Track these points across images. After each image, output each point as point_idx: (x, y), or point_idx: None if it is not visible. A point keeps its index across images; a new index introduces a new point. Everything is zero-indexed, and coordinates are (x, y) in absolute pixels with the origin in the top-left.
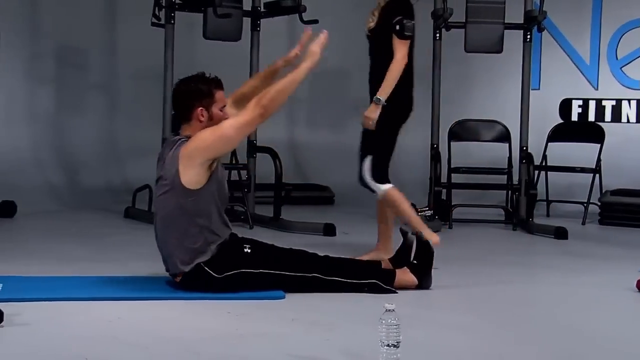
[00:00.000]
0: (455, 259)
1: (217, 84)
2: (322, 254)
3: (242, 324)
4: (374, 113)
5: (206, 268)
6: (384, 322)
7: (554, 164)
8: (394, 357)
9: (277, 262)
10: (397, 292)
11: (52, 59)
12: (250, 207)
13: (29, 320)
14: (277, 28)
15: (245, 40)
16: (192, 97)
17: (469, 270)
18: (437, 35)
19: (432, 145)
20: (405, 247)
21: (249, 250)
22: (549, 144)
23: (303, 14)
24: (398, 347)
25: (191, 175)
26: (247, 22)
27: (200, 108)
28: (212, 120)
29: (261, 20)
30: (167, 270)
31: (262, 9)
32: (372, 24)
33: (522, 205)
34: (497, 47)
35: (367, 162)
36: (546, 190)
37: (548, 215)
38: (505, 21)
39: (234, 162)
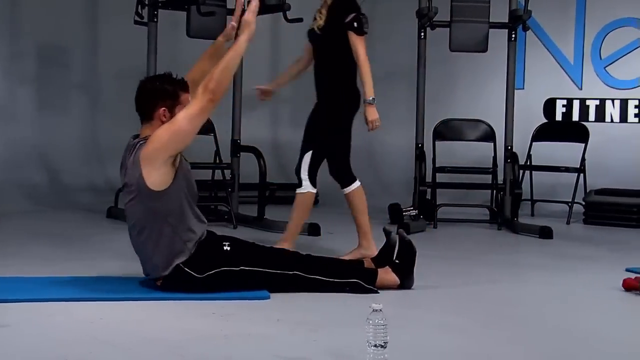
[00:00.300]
0: (440, 259)
1: (183, 85)
2: (304, 253)
3: (227, 324)
4: (375, 114)
5: (186, 269)
6: (371, 322)
7: (538, 164)
8: (381, 357)
9: (258, 260)
10: (378, 292)
11: (33, 58)
12: (234, 207)
13: (9, 321)
14: (260, 26)
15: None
16: (156, 96)
17: (454, 269)
18: (422, 34)
19: (417, 144)
20: (388, 246)
21: (229, 248)
22: (534, 143)
23: (287, 12)
24: (385, 347)
25: (156, 176)
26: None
27: (164, 108)
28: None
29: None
30: (147, 274)
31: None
32: (321, 22)
33: (507, 204)
34: (482, 46)
35: (307, 158)
36: (531, 190)
37: (532, 214)
38: (490, 20)
39: (217, 161)
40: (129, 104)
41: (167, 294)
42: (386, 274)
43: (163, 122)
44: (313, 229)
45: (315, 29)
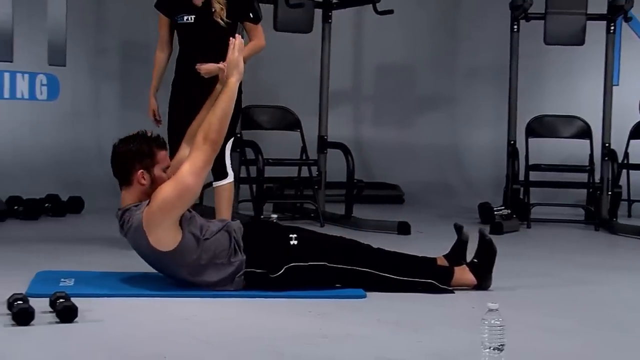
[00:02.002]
0: (536, 259)
1: (158, 143)
2: (375, 246)
3: (325, 323)
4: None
5: (258, 270)
6: (486, 322)
7: (636, 162)
8: None
9: (328, 254)
10: (454, 292)
11: (117, 54)
12: (320, 205)
13: (102, 316)
14: (343, 22)
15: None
16: (133, 159)
17: (551, 270)
18: (515, 27)
19: (509, 141)
20: (460, 242)
21: (296, 242)
22: (631, 141)
23: (377, 4)
24: (502, 350)
25: (166, 238)
26: (317, 13)
27: (141, 170)
28: (155, 184)
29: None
30: None
31: (334, 0)
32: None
33: (604, 204)
34: (578, 39)
35: (229, 146)
36: (628, 190)
37: (630, 215)
38: (588, 12)
39: (303, 157)
40: None
41: (254, 292)
42: (463, 274)
43: (142, 185)
44: (403, 228)
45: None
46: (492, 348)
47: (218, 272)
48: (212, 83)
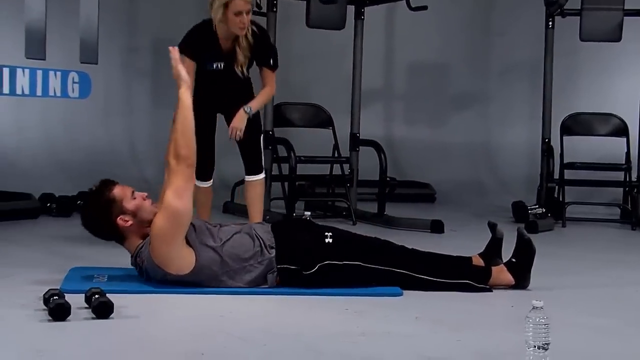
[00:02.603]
0: (573, 258)
1: (105, 186)
2: (409, 246)
3: (362, 321)
4: (243, 123)
5: (292, 267)
6: (530, 320)
7: None
8: None
9: (363, 254)
10: (492, 291)
11: (149, 52)
12: (353, 203)
13: (138, 312)
14: (375, 18)
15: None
16: (103, 219)
17: (589, 270)
18: (550, 23)
19: (543, 139)
20: (495, 240)
21: (331, 240)
22: None
23: (410, 0)
24: (547, 349)
25: (184, 262)
26: (349, 10)
27: (119, 217)
28: (138, 213)
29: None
30: None
31: None
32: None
33: None
34: (615, 36)
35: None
36: None
37: None
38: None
39: (336, 155)
40: None
41: (289, 289)
42: (501, 273)
43: (130, 225)
44: (436, 226)
45: (240, 69)
46: (536, 347)
47: (249, 274)
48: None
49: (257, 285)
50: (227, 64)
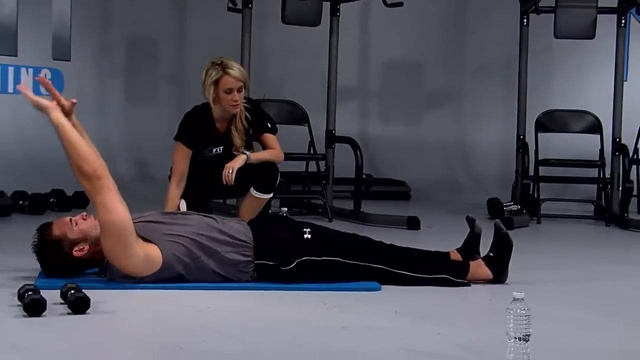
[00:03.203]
0: (548, 254)
1: (43, 231)
2: (387, 242)
3: (343, 315)
4: (238, 164)
5: (270, 263)
6: (512, 312)
7: None
8: (523, 352)
9: (341, 250)
10: (470, 285)
11: (122, 50)
12: (329, 200)
13: (115, 308)
14: (351, 15)
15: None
16: (62, 258)
17: (565, 264)
18: (525, 20)
19: (518, 136)
20: (473, 235)
21: (309, 236)
22: None
23: None
24: (528, 340)
25: (148, 265)
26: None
27: (74, 250)
28: (87, 238)
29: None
30: None
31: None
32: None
33: (615, 199)
34: (589, 33)
35: None
36: (638, 185)
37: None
38: (598, 5)
39: (311, 152)
40: None
41: (268, 284)
42: (479, 268)
43: (88, 251)
44: (412, 223)
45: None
46: (517, 338)
47: (223, 265)
48: None
49: (233, 278)
50: (227, 147)
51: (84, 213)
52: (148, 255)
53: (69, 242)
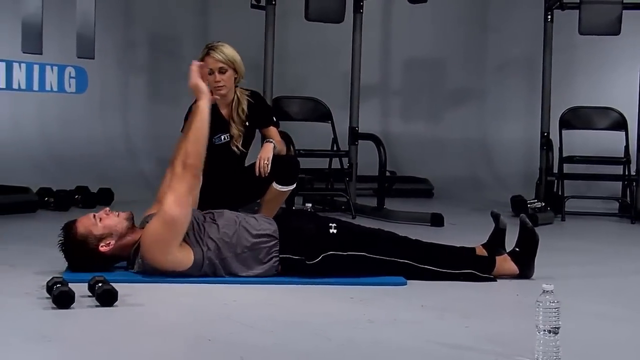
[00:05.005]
0: (573, 251)
1: (68, 229)
2: (413, 238)
3: (369, 309)
4: (270, 152)
5: (294, 257)
6: (541, 304)
7: None
8: (552, 344)
9: (367, 245)
10: (496, 280)
11: (145, 47)
12: (352, 197)
13: (142, 300)
14: (373, 13)
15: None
16: (90, 255)
17: (591, 261)
18: (549, 16)
19: (542, 133)
20: (498, 230)
21: (335, 231)
22: None
23: None
24: (557, 333)
25: (178, 262)
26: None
27: (100, 246)
28: (112, 233)
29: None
30: None
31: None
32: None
33: None
34: (614, 29)
35: None
36: None
37: None
38: (624, 0)
39: (335, 149)
40: None
41: (293, 278)
42: (505, 263)
43: (115, 247)
44: (436, 219)
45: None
46: (547, 331)
47: (249, 260)
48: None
49: (259, 273)
50: (233, 136)
51: (107, 209)
52: (182, 255)
53: (94, 239)
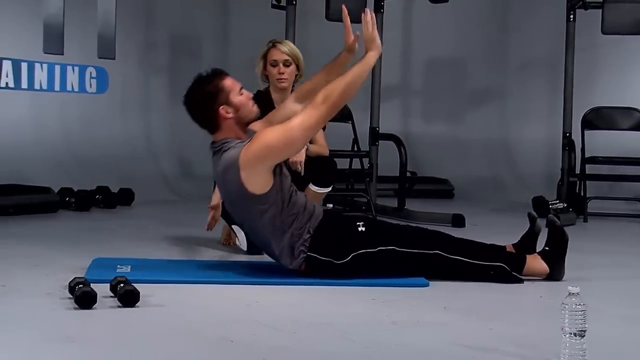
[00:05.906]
0: (599, 252)
1: (217, 74)
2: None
3: (392, 310)
4: (302, 156)
5: (322, 257)
6: (566, 307)
7: None
8: (579, 347)
9: (395, 239)
10: (522, 282)
11: (166, 48)
12: (372, 197)
13: (164, 301)
14: (394, 13)
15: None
16: (206, 105)
17: (615, 263)
18: (572, 16)
19: (564, 133)
20: (532, 233)
21: (364, 229)
22: None
23: None
24: (584, 336)
25: (257, 181)
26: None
27: (222, 107)
28: (239, 110)
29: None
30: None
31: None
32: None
33: None
34: (638, 28)
35: None
36: None
37: None
38: None
39: (355, 149)
40: None
41: (313, 279)
42: (535, 261)
43: (230, 117)
44: (457, 220)
45: None
46: (573, 334)
47: (283, 241)
48: None
49: (283, 259)
50: None
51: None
52: (264, 180)
53: (224, 99)
